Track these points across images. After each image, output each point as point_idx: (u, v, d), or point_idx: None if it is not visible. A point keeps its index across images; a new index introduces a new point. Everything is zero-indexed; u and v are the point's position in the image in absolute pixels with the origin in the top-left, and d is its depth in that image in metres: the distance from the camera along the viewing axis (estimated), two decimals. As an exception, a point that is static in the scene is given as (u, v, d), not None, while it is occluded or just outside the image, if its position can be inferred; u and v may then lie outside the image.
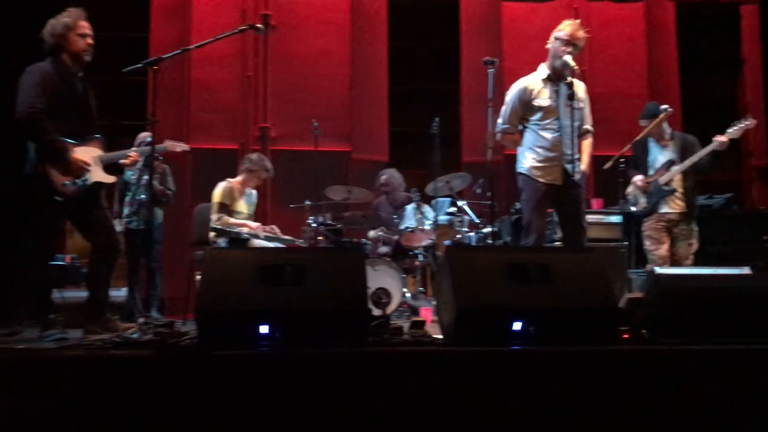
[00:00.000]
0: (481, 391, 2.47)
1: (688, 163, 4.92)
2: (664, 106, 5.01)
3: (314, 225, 5.55)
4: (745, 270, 3.26)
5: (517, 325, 2.69)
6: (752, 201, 7.97)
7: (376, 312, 5.14)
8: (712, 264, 4.66)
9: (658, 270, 3.49)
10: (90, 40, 3.82)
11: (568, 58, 4.14)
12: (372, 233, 5.98)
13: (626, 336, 2.77)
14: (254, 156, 5.79)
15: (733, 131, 4.81)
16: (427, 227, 5.62)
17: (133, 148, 4.31)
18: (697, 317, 2.72)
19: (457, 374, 2.52)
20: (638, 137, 5.11)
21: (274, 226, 5.57)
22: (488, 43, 7.87)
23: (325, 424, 2.39)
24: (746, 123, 4.79)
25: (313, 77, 7.68)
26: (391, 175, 6.40)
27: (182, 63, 7.36)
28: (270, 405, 2.38)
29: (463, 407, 2.46)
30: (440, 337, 2.94)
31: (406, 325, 3.30)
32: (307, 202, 5.73)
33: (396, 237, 5.87)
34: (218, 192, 5.50)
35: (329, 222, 5.69)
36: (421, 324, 3.27)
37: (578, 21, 4.36)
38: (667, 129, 5.14)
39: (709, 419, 2.49)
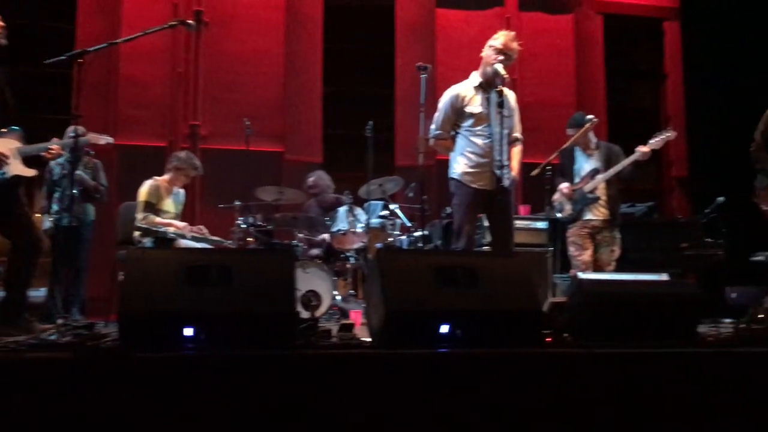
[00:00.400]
0: (409, 393, 2.49)
1: (611, 171, 5.08)
2: (589, 117, 5.16)
3: (244, 226, 5.47)
4: (663, 276, 3.38)
5: (444, 328, 2.72)
6: (672, 210, 8.31)
7: (306, 315, 5.12)
8: (632, 270, 4.83)
9: (581, 275, 3.59)
10: (2, 23, 3.66)
11: (499, 67, 4.23)
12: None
13: (549, 339, 2.83)
14: (182, 154, 5.67)
15: (655, 142, 4.99)
16: (359, 230, 5.62)
17: (55, 139, 4.15)
18: (616, 321, 2.81)
19: (385, 377, 2.53)
20: (564, 146, 5.25)
21: (201, 227, 5.46)
22: (422, 48, 7.96)
23: (251, 427, 2.35)
24: (667, 135, 4.98)
25: (246, 76, 7.59)
26: (319, 177, 6.39)
27: (110, 57, 7.15)
28: (193, 409, 2.33)
29: (391, 410, 2.47)
30: (369, 340, 2.94)
31: (335, 328, 3.30)
32: (237, 203, 5.64)
33: (323, 238, 5.87)
34: (144, 190, 5.36)
35: (259, 223, 5.62)
36: (350, 327, 3.27)
37: (513, 33, 4.47)
38: (592, 138, 5.29)
39: (626, 419, 2.58)
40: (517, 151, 4.55)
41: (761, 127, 4.51)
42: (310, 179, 6.42)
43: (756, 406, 2.63)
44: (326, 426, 2.41)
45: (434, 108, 4.56)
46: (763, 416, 2.62)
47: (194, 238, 5.24)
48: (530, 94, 8.10)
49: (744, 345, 2.96)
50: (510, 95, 4.53)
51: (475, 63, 4.46)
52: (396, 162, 7.85)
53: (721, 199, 5.91)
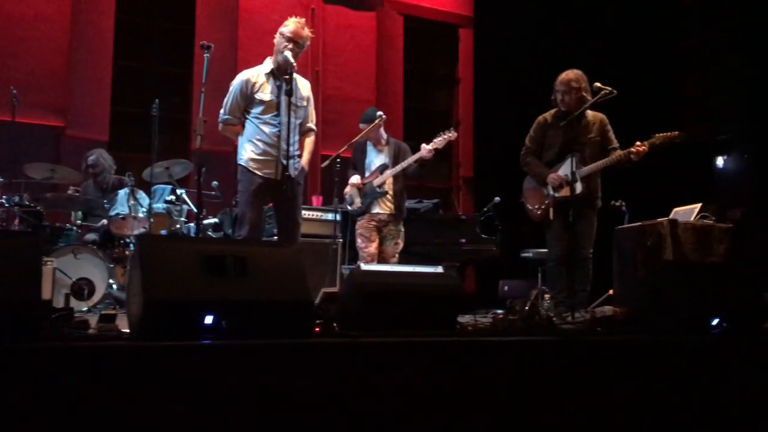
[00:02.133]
0: (167, 387, 2.36)
1: (398, 168, 5.25)
2: (379, 113, 5.28)
3: (7, 206, 4.94)
4: (438, 269, 3.52)
5: (208, 319, 2.62)
6: (459, 208, 8.81)
7: (77, 304, 4.76)
8: (415, 262, 5.05)
9: (364, 266, 3.65)
10: None
11: (289, 55, 4.19)
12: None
13: (318, 329, 2.84)
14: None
15: (437, 141, 5.22)
16: (140, 215, 5.32)
17: None
18: (384, 311, 2.88)
19: (141, 370, 2.39)
20: (355, 140, 5.34)
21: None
22: (224, 31, 7.71)
23: None
24: (448, 135, 5.23)
25: (25, 41, 6.87)
26: (100, 155, 5.97)
27: None
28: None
29: (146, 404, 2.33)
30: (128, 331, 2.76)
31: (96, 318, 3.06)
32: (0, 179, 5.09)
33: (102, 222, 5.48)
34: None
35: (26, 203, 5.11)
36: (111, 318, 3.04)
37: (303, 20, 4.43)
38: (383, 134, 5.43)
39: (390, 406, 2.65)
40: (309, 141, 4.54)
41: (532, 133, 4.88)
42: (90, 158, 5.97)
43: (507, 391, 2.83)
44: (78, 420, 2.22)
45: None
46: (514, 400, 2.83)
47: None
48: (332, 88, 8.19)
49: (499, 334, 3.17)
50: (304, 85, 4.50)
51: (276, 49, 4.38)
52: (192, 146, 7.53)
53: (497, 199, 6.35)
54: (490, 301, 6.41)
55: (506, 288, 6.88)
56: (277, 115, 4.30)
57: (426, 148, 5.16)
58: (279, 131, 4.27)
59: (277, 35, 4.36)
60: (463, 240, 6.14)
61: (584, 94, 4.61)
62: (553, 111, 4.81)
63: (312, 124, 4.59)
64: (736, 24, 8.56)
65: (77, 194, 5.63)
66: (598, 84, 4.44)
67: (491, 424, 2.78)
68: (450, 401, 2.73)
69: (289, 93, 4.07)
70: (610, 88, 4.37)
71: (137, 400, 2.33)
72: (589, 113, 4.73)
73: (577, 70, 4.70)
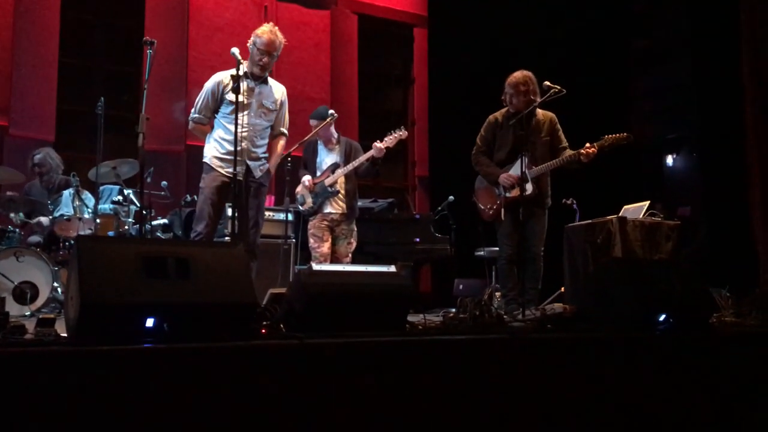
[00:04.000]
0: (103, 393, 2.29)
1: (349, 166, 5.21)
2: (331, 111, 5.24)
3: (-57, 208, 4.77)
4: (391, 268, 3.49)
5: (149, 322, 2.54)
6: (415, 207, 8.81)
7: (21, 309, 4.63)
8: (369, 262, 5.01)
9: (315, 266, 3.60)
10: None
11: (265, 66, 4.40)
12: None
13: (264, 331, 2.78)
14: None
15: (388, 140, 5.19)
16: (86, 216, 5.17)
17: None
18: (331, 311, 2.85)
19: (79, 375, 2.31)
20: (305, 138, 5.29)
21: None
22: (174, 29, 7.56)
23: None
24: (399, 133, 5.21)
25: (-36, 38, 6.65)
26: (47, 154, 5.81)
27: None
28: None
29: (84, 410, 2.26)
30: (66, 335, 2.67)
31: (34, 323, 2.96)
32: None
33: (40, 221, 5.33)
34: None
35: (-36, 205, 4.94)
36: (50, 322, 2.94)
37: (276, 28, 4.51)
38: (334, 133, 5.39)
39: (336, 407, 2.61)
40: (280, 145, 4.63)
41: (482, 132, 4.90)
42: (36, 157, 5.84)
43: (456, 390, 2.82)
44: (8, 429, 2.14)
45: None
46: (463, 399, 2.82)
47: None
48: (286, 86, 8.07)
49: (448, 333, 3.15)
50: (278, 89, 4.61)
51: (229, 47, 4.30)
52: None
53: (451, 198, 6.36)
54: (446, 300, 6.41)
55: (461, 287, 6.90)
56: (247, 116, 4.37)
57: (377, 147, 5.14)
58: (248, 133, 4.35)
59: (251, 45, 4.45)
60: (417, 239, 6.14)
61: (532, 96, 4.64)
62: (503, 110, 4.83)
63: (284, 128, 4.66)
64: (685, 25, 8.74)
65: (18, 195, 5.44)
66: (547, 83, 4.46)
67: (440, 424, 2.76)
68: (398, 401, 2.70)
69: (265, 97, 4.32)
70: (559, 87, 4.40)
71: (73, 406, 2.26)
72: (539, 112, 4.76)
73: (525, 71, 4.72)
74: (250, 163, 4.37)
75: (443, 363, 2.87)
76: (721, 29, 7.66)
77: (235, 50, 4.17)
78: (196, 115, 4.50)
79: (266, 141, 4.53)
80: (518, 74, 4.69)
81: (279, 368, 2.56)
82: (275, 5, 8.06)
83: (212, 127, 4.51)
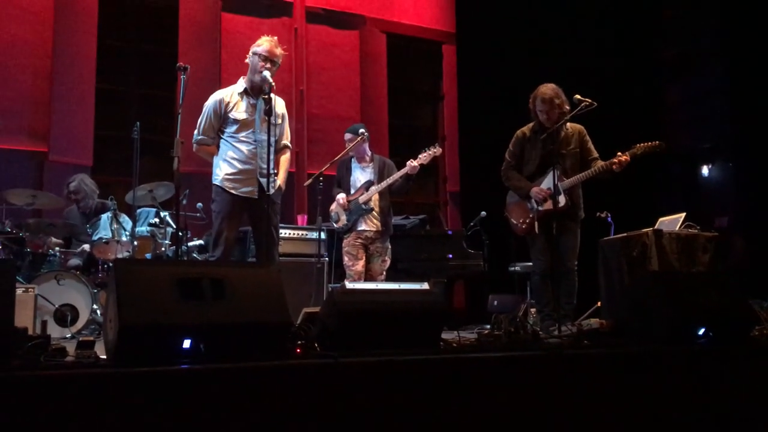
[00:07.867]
0: (144, 413, 2.32)
1: (384, 184, 5.24)
2: (362, 130, 5.28)
3: (-12, 233, 4.90)
4: (425, 285, 3.50)
5: (186, 343, 2.58)
6: (447, 223, 8.79)
7: (60, 331, 4.71)
8: (402, 280, 5.01)
9: (348, 285, 3.62)
10: None
11: (267, 74, 4.20)
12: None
13: (299, 350, 2.80)
14: None
15: (422, 157, 5.20)
16: (124, 239, 5.27)
17: None
18: (365, 330, 2.85)
19: (118, 397, 2.35)
20: (337, 157, 5.33)
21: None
22: (207, 53, 7.71)
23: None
24: (433, 150, 5.23)
25: (6, 67, 6.84)
26: (81, 181, 5.93)
27: None
28: None
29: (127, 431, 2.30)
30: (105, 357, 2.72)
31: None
32: (-20, 207, 5.05)
33: (83, 248, 5.42)
34: None
35: (8, 230, 5.06)
36: (90, 344, 3.00)
37: (275, 38, 4.46)
38: (368, 151, 5.43)
39: (375, 426, 2.61)
40: (285, 159, 4.54)
41: (511, 147, 4.87)
42: (72, 184, 5.93)
43: (492, 407, 2.80)
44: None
45: (201, 112, 4.45)
46: (499, 416, 2.80)
47: None
48: (316, 107, 8.19)
49: (483, 351, 3.13)
50: (279, 103, 4.51)
51: (261, 70, 4.36)
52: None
53: (483, 213, 6.34)
54: (480, 316, 6.37)
55: (495, 303, 6.85)
56: (253, 133, 4.31)
57: (411, 164, 5.15)
58: (256, 149, 4.27)
59: (251, 55, 4.38)
60: (450, 255, 6.12)
61: (565, 107, 4.59)
62: (530, 124, 4.80)
63: (287, 141, 4.59)
64: (716, 33, 8.63)
65: (57, 220, 5.56)
66: (578, 96, 4.41)
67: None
68: (433, 420, 2.69)
69: (269, 113, 4.06)
70: (589, 100, 4.35)
71: (113, 427, 2.29)
72: (568, 124, 4.71)
73: (551, 84, 4.66)
74: (262, 180, 4.26)
75: (478, 381, 2.85)
76: (756, 36, 7.54)
77: (267, 74, 4.19)
78: (201, 137, 4.44)
79: (273, 156, 4.35)
80: (548, 89, 4.61)
81: (314, 387, 2.57)
82: (305, 27, 8.18)
83: (218, 148, 4.43)
